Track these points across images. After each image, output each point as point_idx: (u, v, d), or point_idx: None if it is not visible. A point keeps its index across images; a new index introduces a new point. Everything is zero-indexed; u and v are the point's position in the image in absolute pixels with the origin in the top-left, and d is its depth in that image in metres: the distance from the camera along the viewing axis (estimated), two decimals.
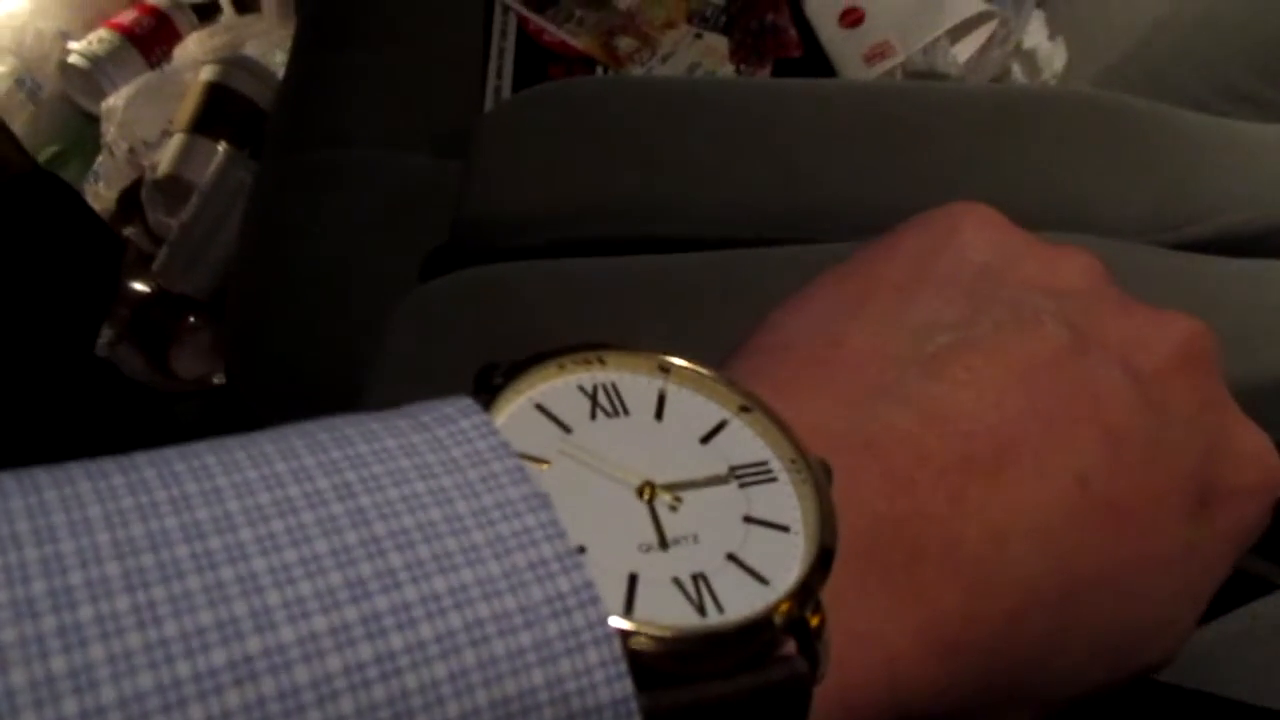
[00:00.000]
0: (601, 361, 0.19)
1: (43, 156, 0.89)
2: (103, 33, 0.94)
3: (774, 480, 0.18)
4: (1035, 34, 0.67)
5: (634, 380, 0.19)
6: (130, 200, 0.87)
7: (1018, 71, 0.66)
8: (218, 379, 0.82)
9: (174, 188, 0.84)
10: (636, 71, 0.69)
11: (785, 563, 0.17)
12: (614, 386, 0.18)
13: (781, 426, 0.18)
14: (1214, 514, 0.22)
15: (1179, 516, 0.21)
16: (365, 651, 0.13)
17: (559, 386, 0.18)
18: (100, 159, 0.91)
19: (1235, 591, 0.27)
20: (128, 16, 0.96)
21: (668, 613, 0.15)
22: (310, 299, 0.59)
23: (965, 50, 0.67)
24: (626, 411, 0.18)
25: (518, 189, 0.45)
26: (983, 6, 0.67)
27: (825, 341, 0.22)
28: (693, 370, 0.19)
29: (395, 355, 0.41)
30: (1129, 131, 0.48)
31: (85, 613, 0.12)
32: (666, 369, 0.19)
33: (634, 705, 0.14)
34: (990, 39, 0.67)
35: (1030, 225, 0.33)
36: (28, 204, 0.48)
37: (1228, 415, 0.23)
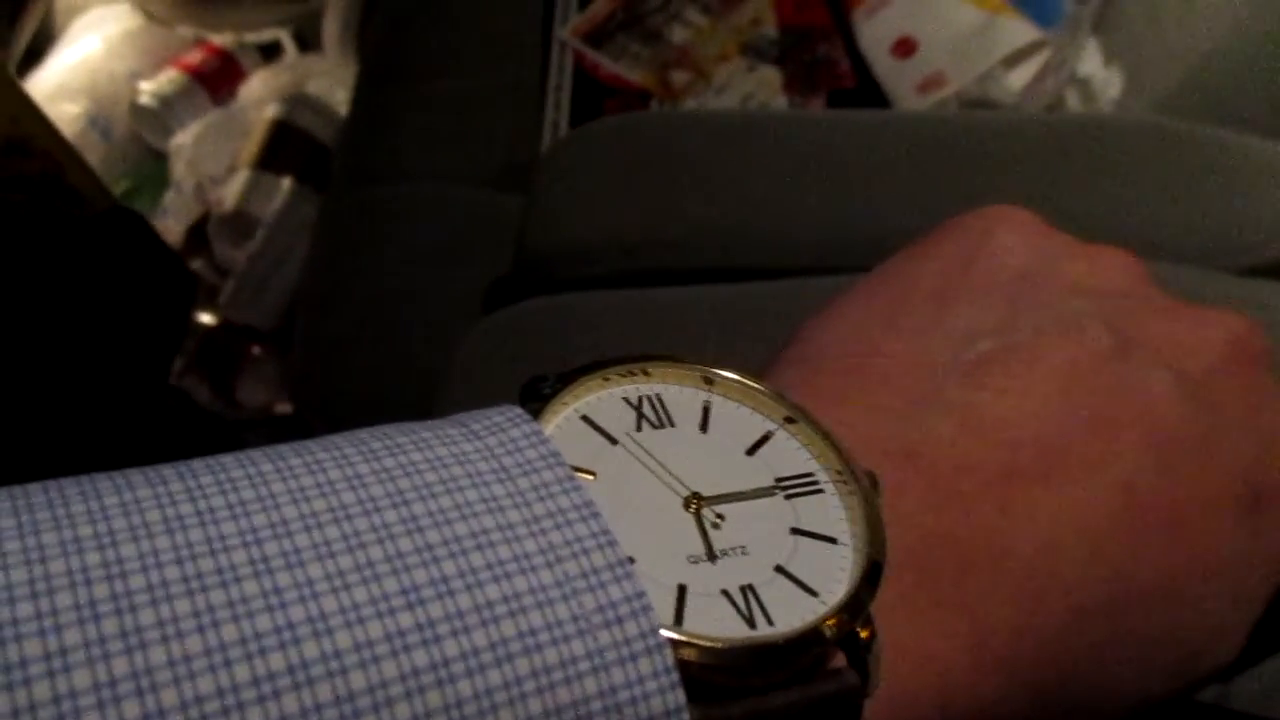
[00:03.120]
0: (646, 373, 0.19)
1: (114, 193, 0.92)
2: (171, 73, 0.97)
3: (820, 492, 0.18)
4: (1090, 61, 0.67)
5: (679, 392, 0.19)
6: (197, 235, 0.90)
7: (1073, 99, 0.66)
8: (281, 408, 0.84)
9: (239, 222, 0.86)
10: (691, 104, 0.70)
11: (834, 575, 0.17)
12: (659, 398, 0.18)
13: (827, 437, 0.18)
14: (1267, 516, 0.21)
15: (1231, 520, 0.20)
16: (420, 658, 0.13)
17: (604, 398, 0.18)
18: (168, 195, 0.93)
19: None
20: (195, 57, 0.99)
21: (718, 625, 0.15)
22: (375, 330, 0.60)
23: (1019, 79, 0.67)
24: (672, 423, 0.18)
25: (580, 220, 0.46)
26: (1037, 35, 0.67)
27: (863, 351, 0.21)
28: (738, 381, 0.19)
29: (463, 383, 0.42)
30: (1191, 158, 0.48)
31: (146, 617, 0.12)
32: (711, 380, 0.19)
33: (686, 717, 0.14)
34: (1045, 67, 0.67)
35: None
36: (109, 239, 0.50)
37: (1279, 414, 0.22)
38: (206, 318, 0.86)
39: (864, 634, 0.16)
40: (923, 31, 0.69)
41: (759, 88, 0.70)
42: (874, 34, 0.70)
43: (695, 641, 0.15)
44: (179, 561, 0.13)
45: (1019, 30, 0.67)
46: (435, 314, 0.58)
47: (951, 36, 0.68)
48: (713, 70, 0.71)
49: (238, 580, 0.13)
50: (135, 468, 0.15)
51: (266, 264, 0.84)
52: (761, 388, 0.19)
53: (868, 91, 0.69)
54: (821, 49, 0.71)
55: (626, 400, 0.18)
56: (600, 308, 0.43)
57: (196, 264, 0.88)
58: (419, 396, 0.50)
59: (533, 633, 0.13)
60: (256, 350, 0.85)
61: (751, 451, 0.18)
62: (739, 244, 0.45)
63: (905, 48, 0.69)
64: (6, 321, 0.41)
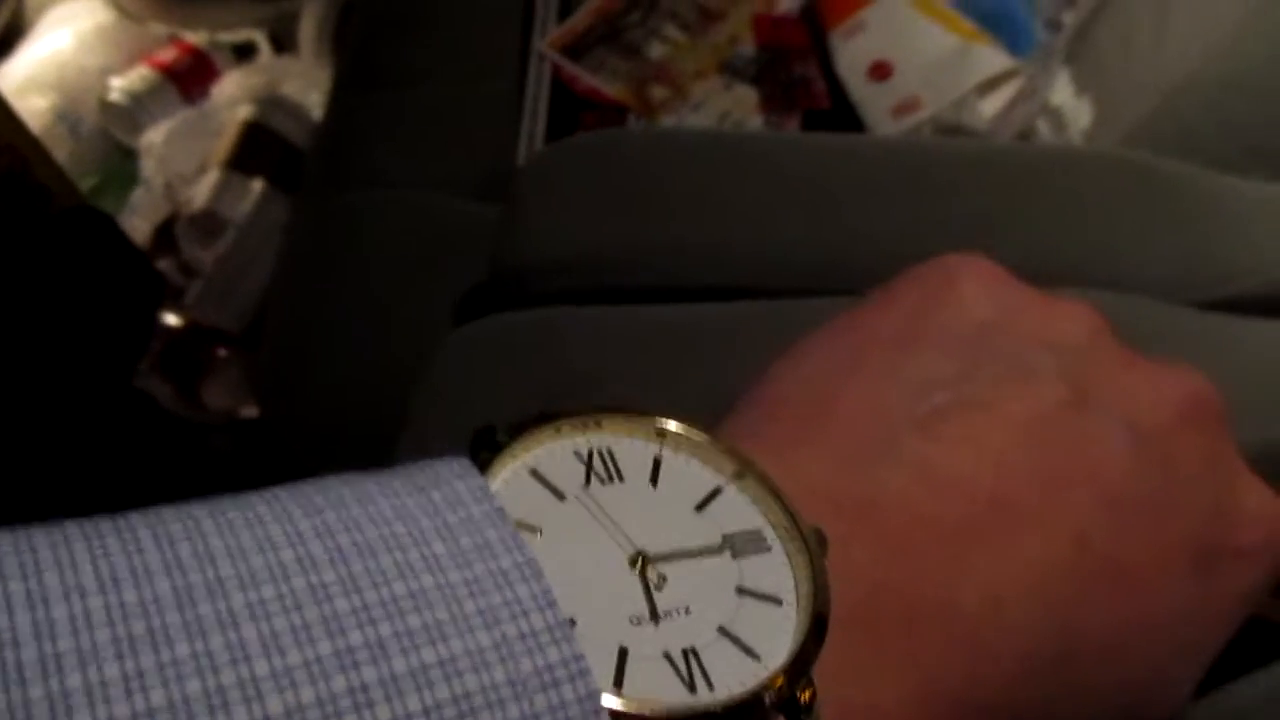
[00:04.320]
0: (599, 425, 0.19)
1: (81, 189, 0.91)
2: (143, 70, 0.96)
3: (768, 550, 0.18)
4: (1061, 91, 0.68)
5: (630, 445, 0.19)
6: (165, 234, 0.89)
7: (1044, 128, 0.67)
8: (245, 411, 0.83)
9: (208, 223, 0.86)
10: (668, 120, 0.70)
11: (777, 637, 0.17)
12: (609, 452, 0.18)
13: (775, 493, 0.18)
14: (1218, 573, 0.21)
15: (1181, 576, 0.21)
16: None
17: (555, 450, 0.18)
18: (137, 193, 0.92)
19: (1263, 646, 0.26)
20: (168, 55, 0.98)
21: (657, 689, 0.15)
22: (344, 337, 0.60)
23: (992, 106, 0.68)
24: (621, 478, 0.18)
25: (556, 234, 0.46)
26: (1009, 63, 0.68)
27: (820, 398, 0.21)
28: (688, 436, 0.19)
29: (436, 396, 0.41)
30: (1157, 191, 0.48)
31: (73, 680, 0.12)
32: (663, 434, 0.19)
33: None
34: (1017, 96, 0.68)
35: (1059, 283, 0.34)
36: (74, 237, 0.49)
37: (1234, 473, 0.22)
38: (172, 319, 0.85)
39: (804, 696, 0.16)
40: (899, 56, 0.69)
41: (735, 105, 0.71)
42: (850, 56, 0.71)
43: (634, 709, 0.15)
44: (110, 623, 0.13)
45: (992, 59, 0.68)
46: (406, 322, 0.58)
47: (927, 62, 0.69)
48: (690, 87, 0.71)
49: (169, 642, 0.13)
50: (71, 519, 0.14)
51: (235, 266, 0.84)
52: (712, 442, 0.19)
53: (843, 113, 0.70)
54: (798, 69, 0.72)
55: (577, 454, 0.18)
56: (574, 324, 0.43)
57: (163, 264, 0.87)
58: (387, 405, 0.50)
59: (468, 696, 0.13)
60: (223, 353, 0.85)
61: (701, 507, 0.18)
62: (715, 263, 0.45)
63: (881, 71, 0.70)
64: None
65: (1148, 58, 0.66)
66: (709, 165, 0.49)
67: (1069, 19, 0.70)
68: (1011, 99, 0.68)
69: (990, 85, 0.68)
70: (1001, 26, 0.70)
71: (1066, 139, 0.66)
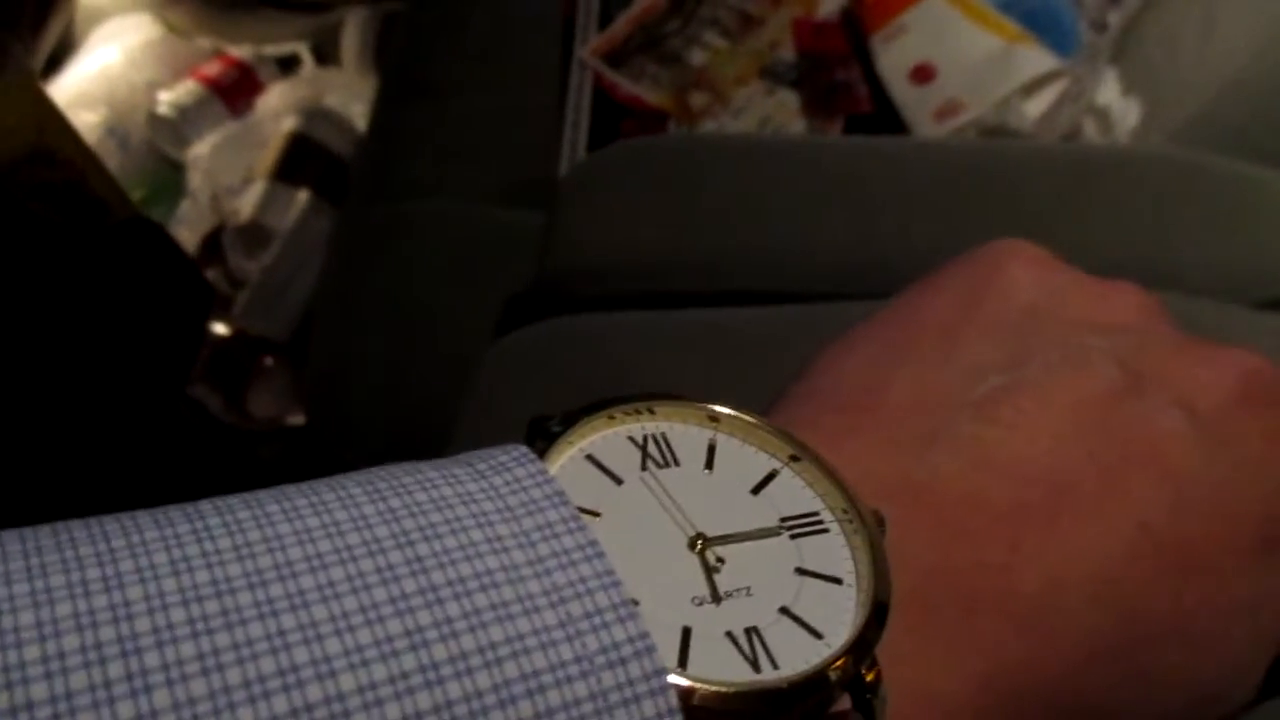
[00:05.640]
0: (651, 412, 0.19)
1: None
2: (189, 84, 0.98)
3: (826, 531, 0.18)
4: (1107, 91, 0.67)
5: (684, 430, 0.19)
6: (212, 245, 0.90)
7: (1090, 129, 0.67)
8: (292, 420, 0.84)
9: (255, 233, 0.87)
10: (709, 126, 0.70)
11: (839, 616, 0.16)
12: (664, 437, 0.18)
13: (832, 476, 0.18)
14: None
15: (1247, 559, 0.20)
16: (423, 701, 0.13)
17: (610, 437, 0.18)
18: (184, 205, 0.94)
19: None
20: (213, 69, 1.00)
21: (722, 668, 0.15)
22: (389, 344, 0.60)
23: (1036, 107, 0.68)
24: (677, 462, 0.18)
25: (602, 240, 0.46)
26: (1054, 64, 0.67)
27: (871, 387, 0.21)
28: (743, 419, 0.19)
29: (484, 401, 0.42)
30: (1208, 189, 0.48)
31: (151, 659, 0.12)
32: (716, 419, 0.19)
33: None
34: (1062, 96, 0.67)
35: None
36: (129, 248, 0.50)
37: None
38: (220, 328, 0.86)
39: (869, 676, 0.16)
40: (941, 58, 0.69)
41: (777, 111, 0.71)
42: (892, 60, 0.71)
43: (700, 685, 0.15)
44: (185, 604, 0.13)
45: (1036, 59, 0.68)
46: (451, 330, 0.58)
47: (969, 64, 0.68)
48: (731, 93, 0.71)
49: (243, 622, 0.13)
50: (143, 509, 0.15)
51: (281, 275, 0.85)
52: (766, 425, 0.19)
53: (885, 117, 0.70)
54: (839, 74, 0.72)
55: (632, 439, 0.18)
56: (620, 328, 0.44)
57: (211, 274, 0.89)
58: (433, 411, 0.50)
59: (536, 674, 0.13)
60: (269, 361, 0.86)
61: (757, 490, 0.18)
62: (760, 267, 0.45)
63: (923, 74, 0.69)
64: (29, 330, 0.41)
65: (1195, 56, 0.65)
66: (752, 169, 0.49)
67: (1114, 18, 0.69)
68: (1057, 100, 0.67)
69: (1035, 86, 0.67)
70: (1045, 27, 0.69)
71: (1113, 139, 0.65)
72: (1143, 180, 0.48)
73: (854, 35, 0.73)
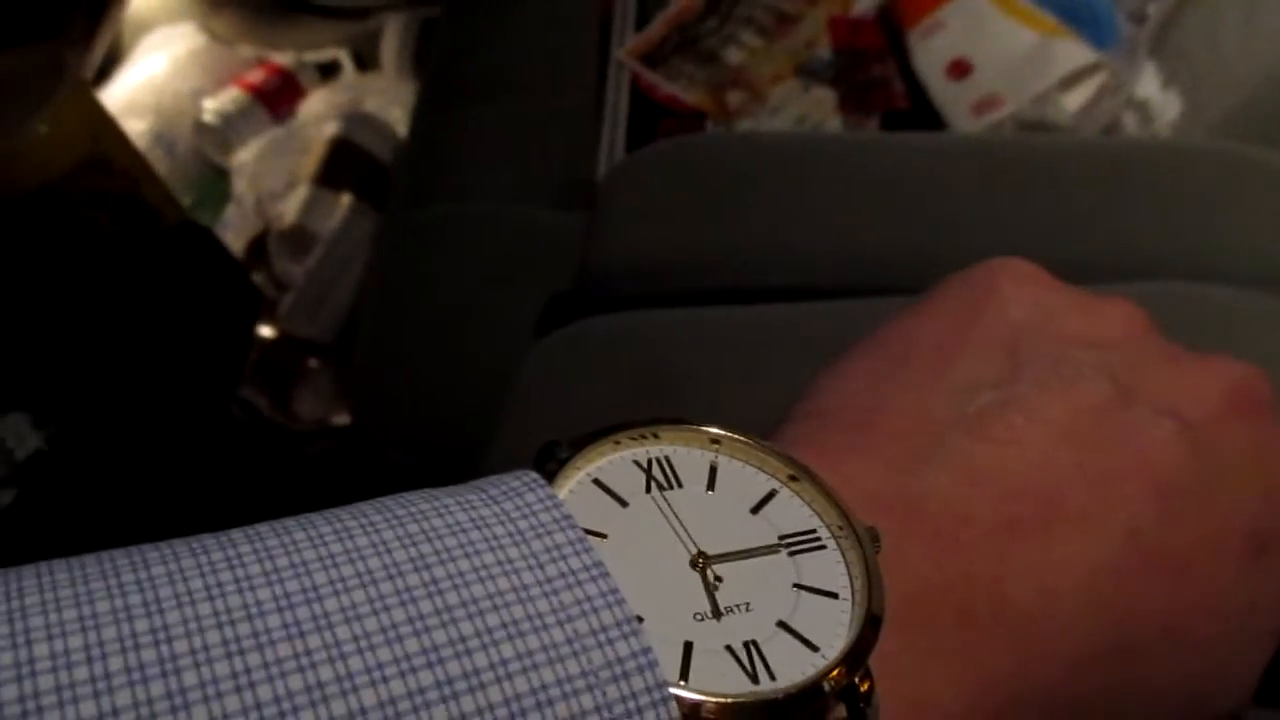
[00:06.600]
0: (655, 436, 0.20)
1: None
2: (233, 92, 0.99)
3: (823, 548, 0.18)
4: (1148, 84, 0.67)
5: (687, 453, 0.20)
6: (257, 249, 0.92)
7: (1130, 122, 0.66)
8: (337, 420, 0.85)
9: (298, 237, 0.88)
10: (746, 124, 0.70)
11: (835, 629, 0.17)
12: (667, 460, 0.19)
13: (828, 494, 0.19)
14: (1275, 561, 0.21)
15: (1237, 565, 0.21)
16: (439, 714, 0.14)
17: (615, 461, 0.19)
18: (229, 210, 0.96)
19: None
20: (256, 76, 1.01)
21: (722, 680, 0.16)
22: (432, 345, 0.61)
23: (1075, 101, 0.67)
24: (680, 484, 0.19)
25: (644, 238, 0.47)
26: (1093, 57, 0.67)
27: (867, 406, 0.22)
28: (743, 441, 0.20)
29: (526, 400, 0.42)
30: (1253, 181, 0.47)
31: (189, 678, 0.13)
32: (718, 441, 0.20)
33: None
34: (1101, 89, 0.66)
35: (1161, 276, 0.33)
36: (181, 253, 0.51)
37: None
38: (266, 331, 0.87)
39: (863, 686, 0.17)
40: (977, 53, 0.69)
41: (813, 108, 0.71)
42: (928, 56, 0.71)
43: (700, 697, 0.15)
44: (219, 626, 0.14)
45: (1075, 52, 0.67)
46: (492, 329, 0.59)
47: (1006, 58, 0.68)
48: (768, 91, 0.72)
49: (273, 643, 0.14)
50: (179, 538, 0.16)
51: (324, 278, 0.86)
52: (766, 447, 0.20)
53: (922, 113, 0.69)
54: (876, 70, 0.72)
55: (637, 463, 0.19)
56: (660, 326, 0.44)
57: (256, 278, 0.90)
58: (477, 410, 0.51)
59: (545, 688, 0.14)
60: (313, 363, 0.87)
61: (756, 509, 0.19)
62: (800, 264, 0.46)
63: (960, 69, 0.69)
64: (90, 338, 0.43)
65: (1236, 48, 0.64)
66: (791, 167, 0.49)
67: (1153, 10, 0.69)
68: (1096, 93, 0.66)
69: (1073, 80, 0.67)
70: (1083, 20, 0.69)
71: (1153, 132, 0.65)
72: (1186, 172, 0.48)
73: (890, 31, 0.73)
